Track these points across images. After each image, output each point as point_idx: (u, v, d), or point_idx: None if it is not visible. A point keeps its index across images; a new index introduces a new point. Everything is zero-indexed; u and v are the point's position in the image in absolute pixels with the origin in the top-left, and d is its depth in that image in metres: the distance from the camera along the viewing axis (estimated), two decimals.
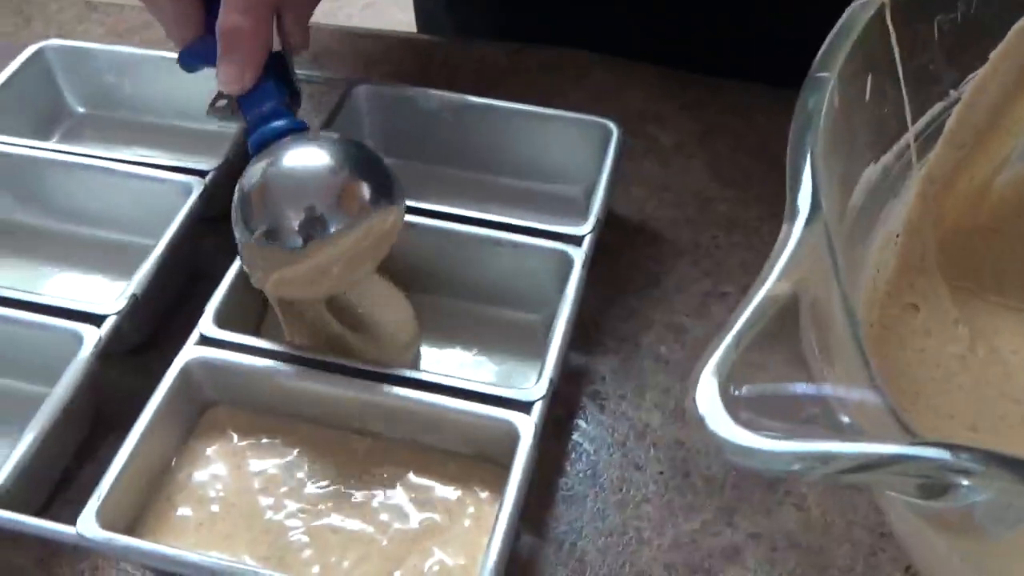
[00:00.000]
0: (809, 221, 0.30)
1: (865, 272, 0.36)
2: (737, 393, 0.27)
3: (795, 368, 0.27)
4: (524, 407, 0.39)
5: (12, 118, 0.53)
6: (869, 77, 0.34)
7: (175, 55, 0.56)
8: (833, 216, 0.30)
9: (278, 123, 0.42)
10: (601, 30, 0.62)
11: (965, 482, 0.23)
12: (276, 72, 0.44)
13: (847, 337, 0.27)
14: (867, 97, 0.34)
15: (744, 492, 0.41)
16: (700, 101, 0.59)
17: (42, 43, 0.56)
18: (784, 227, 0.30)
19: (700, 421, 0.27)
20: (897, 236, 0.37)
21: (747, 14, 0.59)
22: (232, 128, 0.51)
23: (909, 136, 0.36)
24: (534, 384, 0.40)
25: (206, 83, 0.56)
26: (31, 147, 0.50)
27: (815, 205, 0.30)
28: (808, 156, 0.31)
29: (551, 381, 0.40)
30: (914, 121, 0.36)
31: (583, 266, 0.44)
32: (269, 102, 0.43)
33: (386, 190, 0.40)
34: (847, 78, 0.32)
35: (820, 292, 0.28)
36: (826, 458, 0.24)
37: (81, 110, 0.58)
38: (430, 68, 0.62)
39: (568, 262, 0.44)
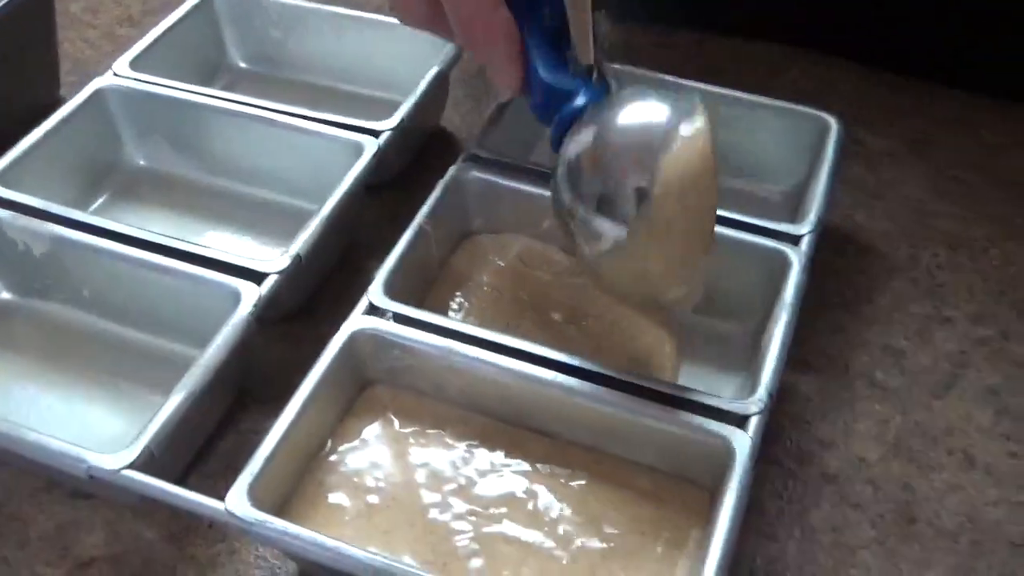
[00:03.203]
0: None
1: None
2: None
3: None
4: (738, 421, 0.33)
5: (172, 67, 0.50)
6: None
7: (345, 11, 0.53)
8: None
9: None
10: (799, 23, 0.57)
11: None
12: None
13: None
14: None
15: (984, 548, 0.35)
16: (912, 107, 0.52)
17: None
18: None
19: None
20: None
21: (979, 18, 0.53)
22: (399, 97, 0.47)
23: None
24: (749, 395, 0.34)
25: (373, 45, 0.53)
26: (192, 92, 0.47)
27: None
28: None
29: (769, 394, 0.34)
30: None
31: (803, 269, 0.38)
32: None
33: None
34: None
35: None
36: None
37: (242, 65, 0.54)
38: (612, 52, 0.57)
39: (784, 263, 0.39)
